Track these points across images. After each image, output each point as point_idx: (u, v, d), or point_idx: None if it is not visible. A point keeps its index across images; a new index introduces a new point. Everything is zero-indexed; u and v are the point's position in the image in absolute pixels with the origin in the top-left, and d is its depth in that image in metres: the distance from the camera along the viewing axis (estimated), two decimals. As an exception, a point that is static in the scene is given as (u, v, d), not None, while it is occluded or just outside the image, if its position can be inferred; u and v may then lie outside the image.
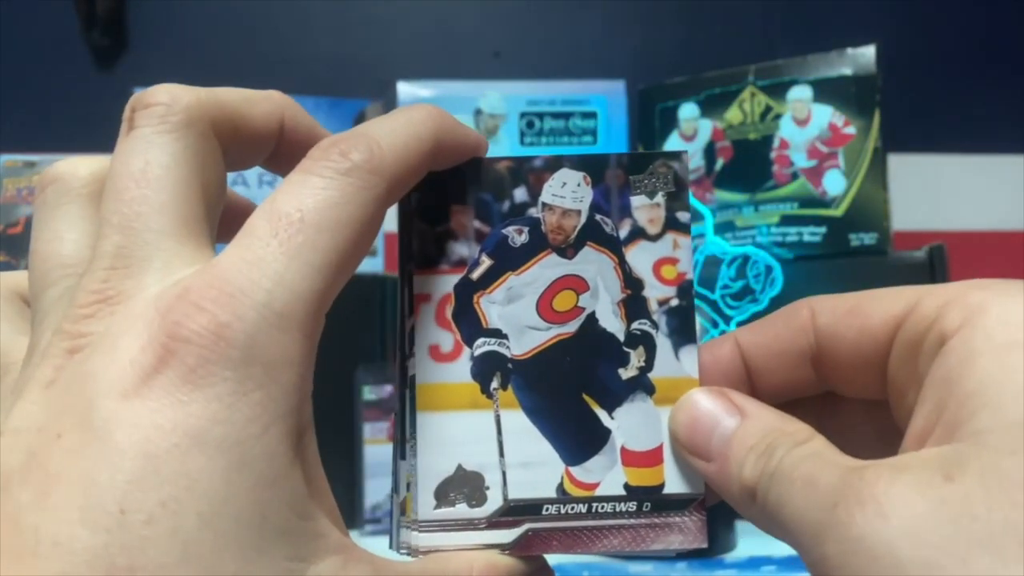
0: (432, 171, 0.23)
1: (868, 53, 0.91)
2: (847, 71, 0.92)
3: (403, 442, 0.24)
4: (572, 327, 0.24)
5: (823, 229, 0.90)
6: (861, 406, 0.23)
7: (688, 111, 0.98)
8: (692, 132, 0.98)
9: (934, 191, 1.25)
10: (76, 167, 0.22)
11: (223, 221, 0.22)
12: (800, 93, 0.93)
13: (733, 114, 0.96)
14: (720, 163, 0.96)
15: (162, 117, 0.20)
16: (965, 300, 0.19)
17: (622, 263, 0.24)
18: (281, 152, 0.23)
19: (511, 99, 1.04)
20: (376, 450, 0.92)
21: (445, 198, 0.24)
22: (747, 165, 0.95)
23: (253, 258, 0.19)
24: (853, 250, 0.88)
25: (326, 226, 0.19)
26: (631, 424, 0.24)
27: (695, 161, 0.97)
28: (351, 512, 0.96)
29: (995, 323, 0.19)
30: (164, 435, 0.17)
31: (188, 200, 0.20)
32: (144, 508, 0.17)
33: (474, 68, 1.18)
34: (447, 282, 0.24)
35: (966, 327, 0.19)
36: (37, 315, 0.21)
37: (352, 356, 1.01)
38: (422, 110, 0.22)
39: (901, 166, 1.05)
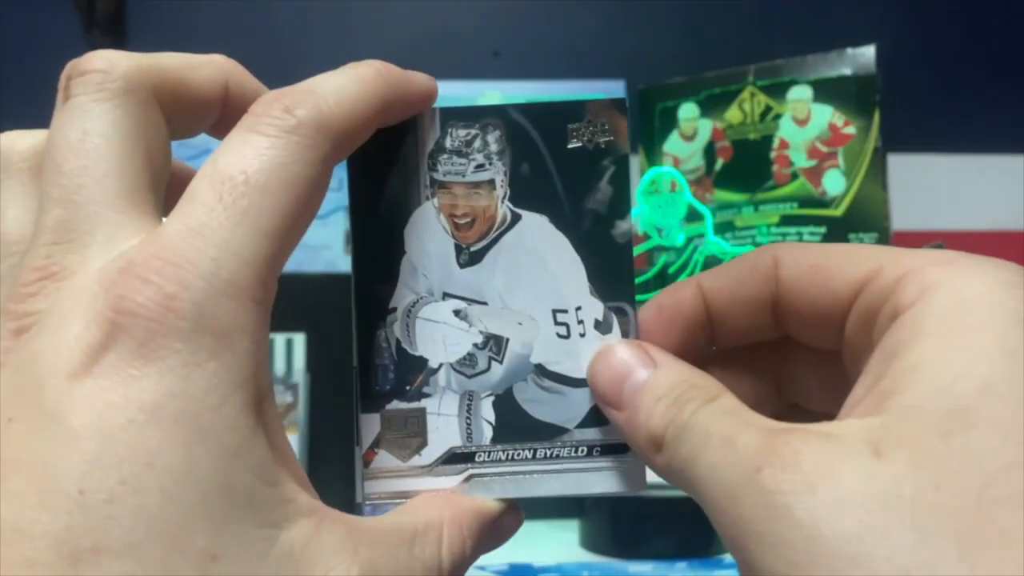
0: (381, 128, 0.23)
1: (868, 53, 0.91)
2: (847, 71, 0.91)
3: (364, 396, 0.24)
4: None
5: (823, 229, 0.90)
6: (816, 354, 0.23)
7: (688, 111, 0.98)
8: (692, 132, 0.98)
9: (934, 191, 1.25)
10: (14, 141, 0.22)
11: (171, 191, 0.21)
12: (800, 93, 0.93)
13: (733, 114, 0.96)
14: (720, 163, 0.96)
15: (99, 84, 0.20)
16: (923, 274, 0.19)
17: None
18: (227, 118, 0.22)
19: (511, 99, 1.04)
20: (376, 450, 0.92)
21: (395, 155, 0.24)
22: (747, 165, 0.95)
23: (197, 225, 0.18)
24: (853, 250, 0.88)
25: (271, 188, 0.19)
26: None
27: (695, 161, 0.97)
28: (351, 511, 0.95)
29: (947, 303, 0.18)
30: (118, 412, 0.17)
31: (130, 169, 0.19)
32: (104, 487, 0.16)
33: (474, 68, 1.18)
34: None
35: (919, 303, 0.19)
36: None
37: (352, 356, 1.00)
38: (370, 67, 0.22)
39: (901, 166, 1.05)
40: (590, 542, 0.76)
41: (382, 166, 0.24)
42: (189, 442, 0.17)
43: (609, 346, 0.23)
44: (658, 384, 0.22)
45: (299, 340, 0.91)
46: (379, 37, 1.22)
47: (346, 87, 0.21)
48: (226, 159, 0.19)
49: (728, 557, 0.73)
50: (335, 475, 1.03)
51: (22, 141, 0.22)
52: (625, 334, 0.24)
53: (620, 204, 0.24)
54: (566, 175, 0.24)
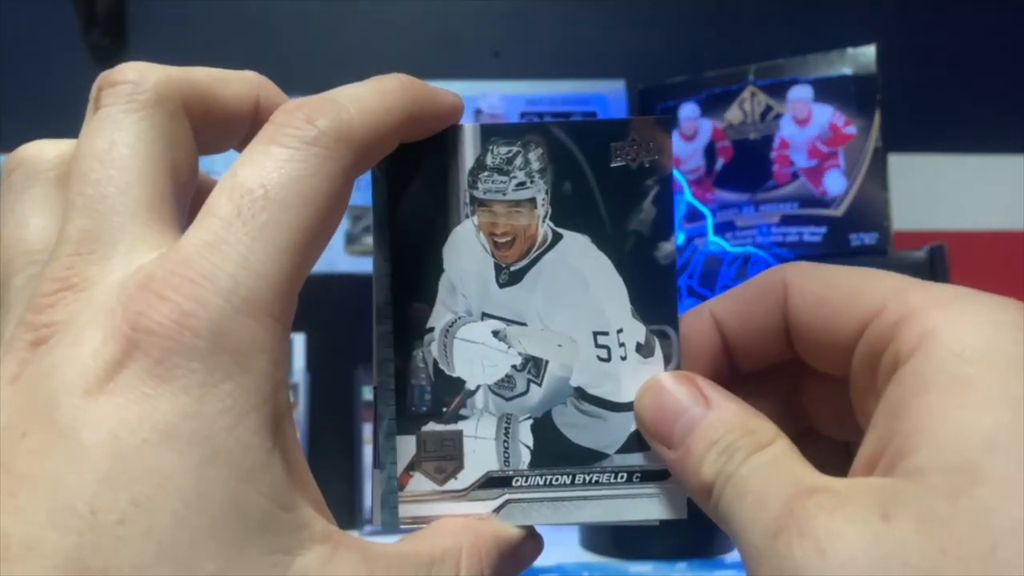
0: (404, 142, 0.22)
1: (868, 53, 0.91)
2: (847, 71, 0.91)
3: (400, 417, 0.24)
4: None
5: (823, 229, 0.90)
6: (829, 378, 0.23)
7: (688, 111, 0.98)
8: (692, 132, 0.98)
9: (934, 191, 1.25)
10: (43, 149, 0.21)
11: (196, 204, 0.21)
12: (800, 93, 0.93)
13: (733, 114, 0.96)
14: (720, 163, 0.96)
15: (129, 96, 0.20)
16: (923, 320, 0.19)
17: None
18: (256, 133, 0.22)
19: (511, 99, 1.04)
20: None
21: (434, 171, 0.24)
22: (747, 165, 0.95)
23: (215, 240, 0.18)
24: (853, 250, 0.88)
25: (291, 202, 0.19)
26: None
27: (695, 161, 0.97)
28: (351, 512, 0.95)
29: (947, 353, 0.18)
30: (131, 432, 0.16)
31: (155, 181, 0.19)
32: (116, 507, 0.16)
33: (474, 68, 1.18)
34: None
35: (919, 353, 0.18)
36: (3, 305, 0.20)
37: (352, 356, 1.00)
38: (394, 79, 0.22)
39: (901, 166, 1.05)
40: (590, 542, 0.76)
41: (421, 183, 0.24)
42: (202, 464, 0.17)
43: (657, 380, 0.23)
44: (712, 428, 0.21)
45: (299, 340, 0.91)
46: (379, 37, 1.22)
47: (369, 98, 0.21)
48: (245, 171, 0.19)
49: (728, 557, 0.73)
50: (335, 476, 1.03)
51: (50, 150, 0.21)
52: (667, 358, 0.23)
53: (664, 225, 0.23)
54: (609, 194, 0.23)
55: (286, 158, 0.19)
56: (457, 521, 0.23)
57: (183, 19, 1.20)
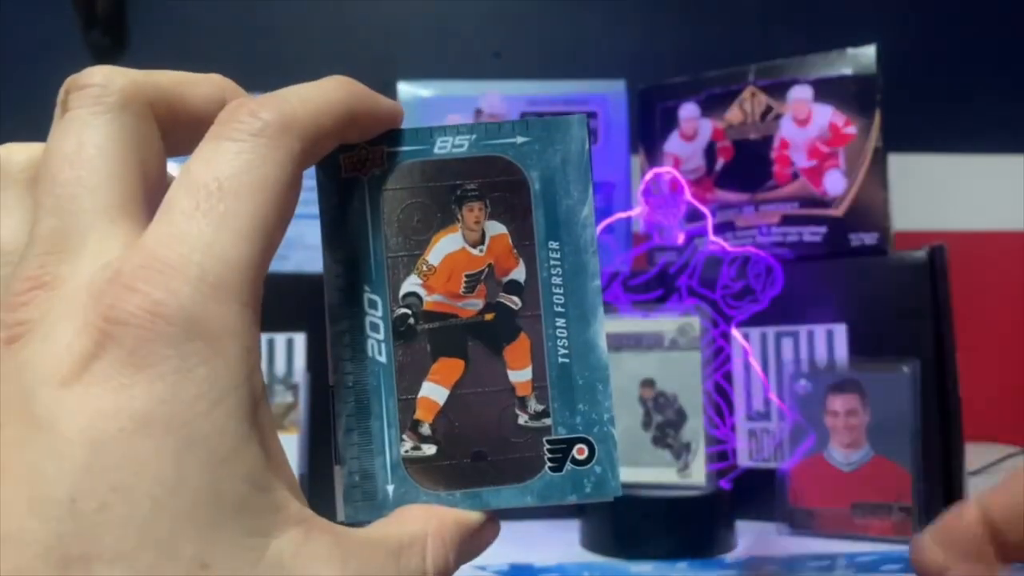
0: (346, 144, 0.23)
1: (868, 53, 0.91)
2: (847, 71, 0.91)
3: (341, 415, 0.24)
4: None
5: (823, 229, 0.90)
6: None
7: (688, 111, 0.98)
8: (692, 132, 0.98)
9: (934, 191, 1.25)
10: (12, 153, 0.22)
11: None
12: (800, 93, 0.93)
13: (733, 114, 0.96)
14: (720, 163, 0.96)
15: (96, 98, 0.20)
16: None
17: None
18: None
19: (511, 99, 1.04)
20: (376, 450, 0.91)
21: (361, 172, 0.24)
22: (747, 165, 0.95)
23: (179, 232, 0.18)
24: (853, 250, 0.88)
25: (245, 192, 0.19)
26: None
27: (695, 161, 0.97)
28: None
29: None
30: (108, 420, 0.17)
31: (123, 181, 0.20)
32: (95, 495, 0.16)
33: (474, 68, 1.18)
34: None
35: None
36: None
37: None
38: (335, 78, 0.23)
39: (901, 166, 1.05)
40: (590, 542, 0.76)
41: (350, 181, 0.24)
42: (179, 449, 0.17)
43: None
44: None
45: (299, 340, 0.91)
46: (380, 37, 1.22)
47: (310, 90, 0.22)
48: (198, 167, 0.19)
49: (728, 557, 0.73)
50: (332, 475, 1.03)
51: (20, 153, 0.22)
52: None
53: None
54: None
55: (236, 151, 0.20)
56: (422, 508, 0.23)
57: (183, 19, 1.20)
